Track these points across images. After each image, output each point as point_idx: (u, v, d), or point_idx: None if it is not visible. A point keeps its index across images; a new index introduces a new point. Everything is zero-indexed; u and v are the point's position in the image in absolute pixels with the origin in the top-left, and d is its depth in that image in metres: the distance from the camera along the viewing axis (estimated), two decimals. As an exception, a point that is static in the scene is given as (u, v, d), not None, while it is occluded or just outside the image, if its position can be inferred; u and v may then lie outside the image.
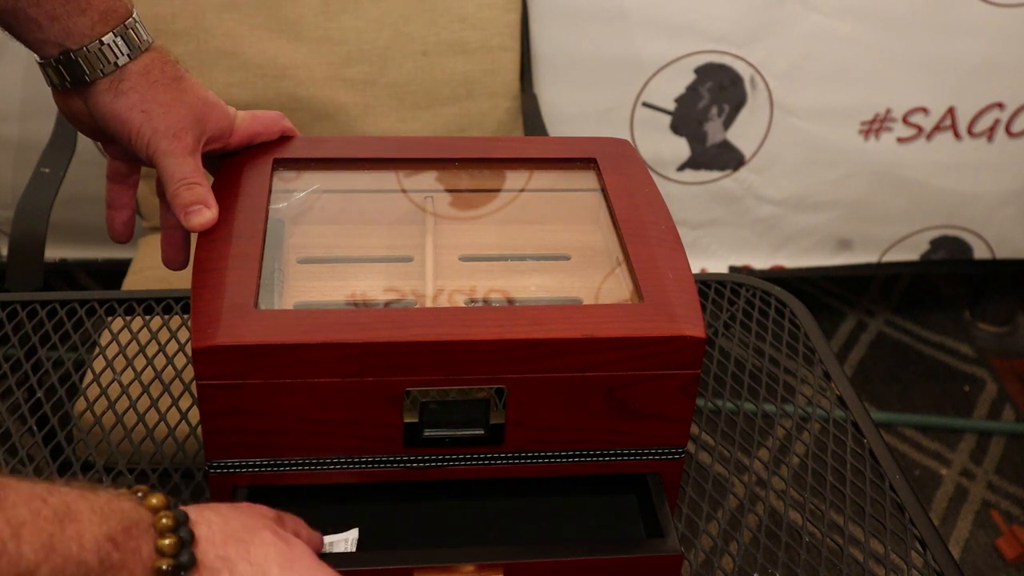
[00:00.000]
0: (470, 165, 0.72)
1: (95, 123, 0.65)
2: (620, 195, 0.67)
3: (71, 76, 0.63)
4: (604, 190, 0.68)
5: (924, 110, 1.68)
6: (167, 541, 0.45)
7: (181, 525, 0.46)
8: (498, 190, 0.73)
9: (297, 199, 0.70)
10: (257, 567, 0.48)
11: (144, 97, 0.62)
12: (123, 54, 0.62)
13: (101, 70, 0.62)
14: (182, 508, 0.48)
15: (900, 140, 1.71)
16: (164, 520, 0.46)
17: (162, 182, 0.63)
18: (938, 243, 1.85)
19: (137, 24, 0.63)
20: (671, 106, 1.65)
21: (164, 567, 0.44)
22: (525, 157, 0.72)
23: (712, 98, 1.64)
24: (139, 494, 0.47)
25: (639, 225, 0.64)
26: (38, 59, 0.64)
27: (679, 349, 0.56)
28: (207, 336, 0.53)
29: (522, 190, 0.73)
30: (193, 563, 0.46)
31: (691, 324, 0.56)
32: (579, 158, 0.72)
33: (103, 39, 0.62)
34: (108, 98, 0.62)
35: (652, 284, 0.59)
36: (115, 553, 0.43)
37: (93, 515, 0.43)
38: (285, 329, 0.54)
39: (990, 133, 1.72)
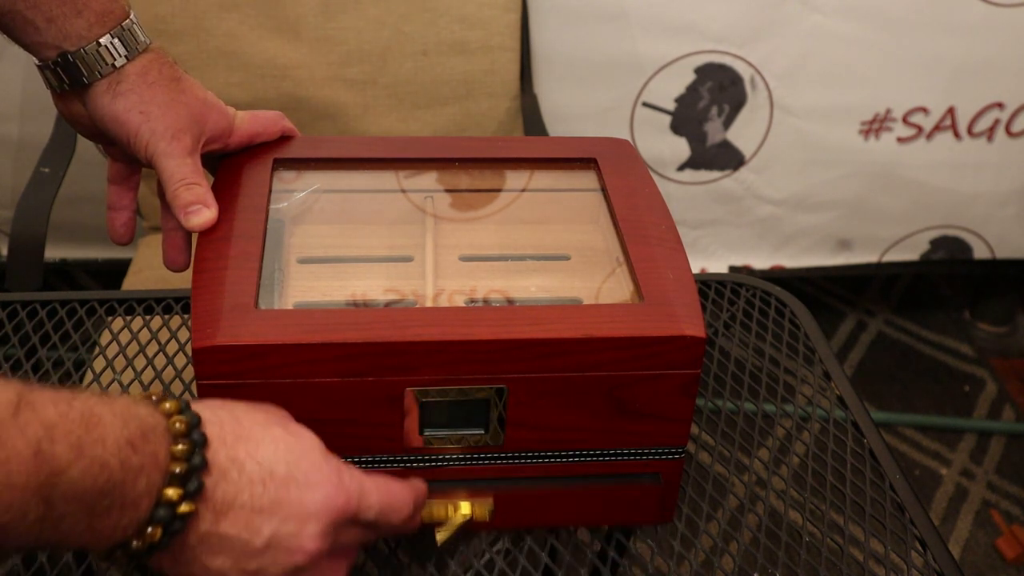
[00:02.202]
0: (470, 165, 0.72)
1: (95, 125, 0.65)
2: (620, 195, 0.67)
3: (69, 78, 0.63)
4: (604, 190, 0.68)
5: (924, 110, 1.68)
6: (180, 446, 0.45)
7: (194, 428, 0.47)
8: (498, 190, 0.73)
9: (297, 199, 0.70)
10: (264, 465, 0.48)
11: (142, 98, 0.62)
12: (121, 55, 0.62)
13: (99, 72, 0.62)
14: (194, 409, 0.48)
15: (900, 140, 1.71)
16: (178, 424, 0.46)
17: (162, 183, 0.63)
18: (938, 243, 1.85)
19: (134, 26, 0.63)
20: (671, 106, 1.65)
21: (178, 470, 0.45)
22: (525, 157, 0.72)
23: (712, 98, 1.64)
24: (153, 398, 0.47)
25: (639, 225, 0.64)
26: (36, 62, 0.64)
27: (679, 349, 0.56)
28: (207, 336, 0.53)
29: (522, 190, 0.73)
30: (204, 465, 0.46)
31: (691, 324, 0.56)
32: (579, 158, 0.72)
33: (100, 41, 0.62)
34: (106, 100, 0.62)
35: (652, 284, 0.59)
36: (134, 457, 0.44)
37: (114, 419, 0.44)
38: (285, 329, 0.54)
39: (990, 133, 1.72)
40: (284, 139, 0.70)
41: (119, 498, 0.43)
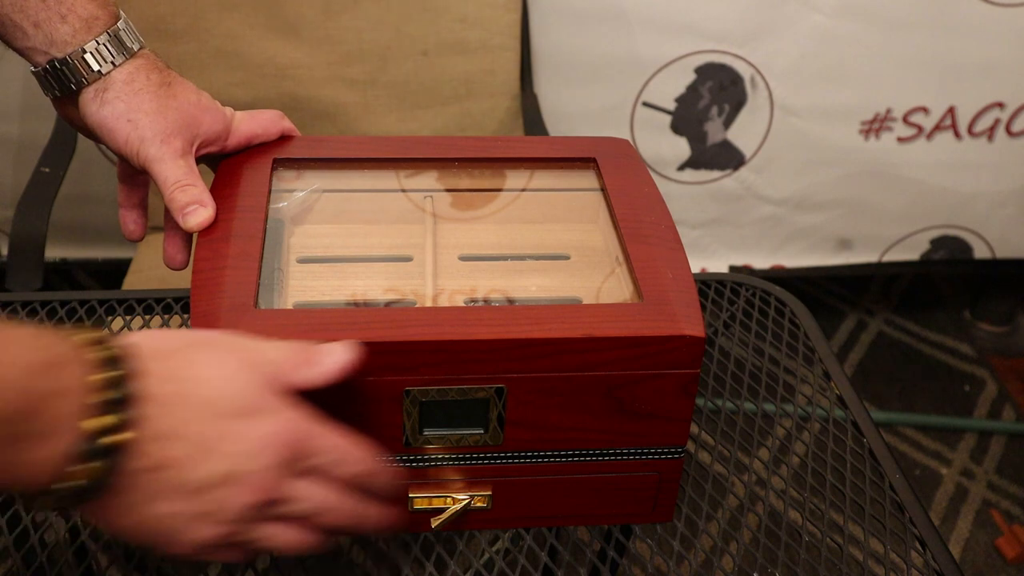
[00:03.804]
0: (470, 165, 0.72)
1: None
2: (620, 195, 0.67)
3: (58, 85, 0.63)
4: (604, 190, 0.68)
5: (924, 110, 1.68)
6: (102, 375, 0.43)
7: (119, 360, 0.44)
8: (498, 190, 0.73)
9: (297, 199, 0.70)
10: (206, 399, 0.46)
11: (129, 106, 0.62)
12: (106, 62, 0.62)
13: (84, 79, 0.62)
14: (132, 340, 0.45)
15: (900, 140, 1.71)
16: (92, 354, 0.43)
17: (158, 188, 0.63)
18: (938, 243, 1.85)
19: (121, 32, 0.63)
20: (671, 106, 1.65)
21: (102, 399, 0.42)
22: (525, 157, 0.72)
23: (712, 98, 1.64)
24: (71, 329, 0.44)
25: (639, 225, 0.64)
26: (31, 68, 0.64)
27: (679, 348, 0.56)
28: None
29: (522, 190, 0.73)
30: (133, 396, 0.43)
31: (691, 324, 0.56)
32: (579, 158, 0.72)
33: (85, 47, 0.61)
34: (94, 107, 0.62)
35: (652, 284, 0.59)
36: (44, 382, 0.41)
37: (24, 344, 0.41)
38: (284, 329, 0.54)
39: (990, 133, 1.72)
40: (284, 139, 0.70)
41: (33, 427, 0.41)
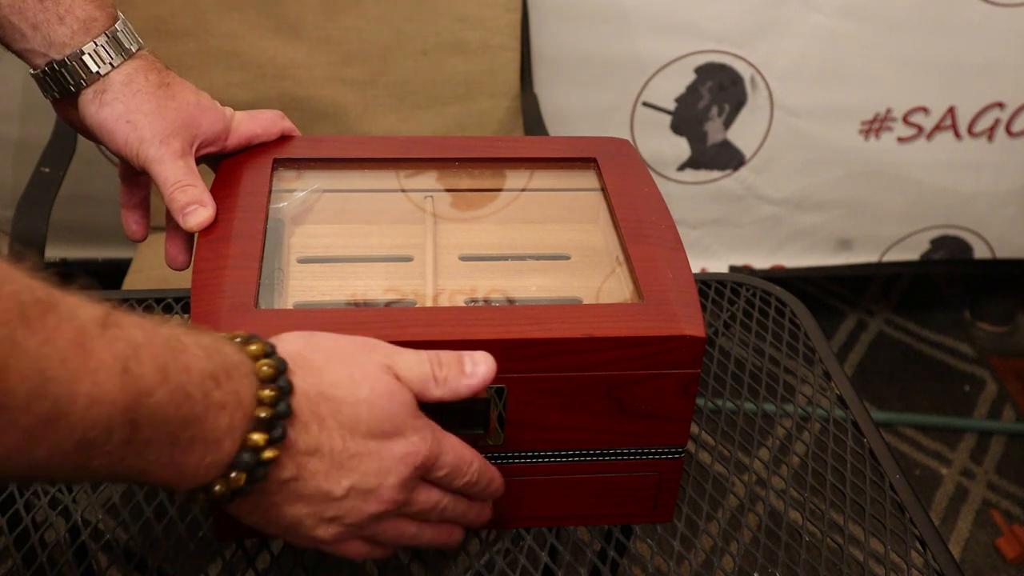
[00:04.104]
0: (470, 165, 0.72)
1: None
2: (620, 195, 0.67)
3: (57, 87, 0.63)
4: (604, 190, 0.68)
5: (924, 110, 1.68)
6: (267, 392, 0.45)
7: (280, 375, 0.46)
8: (498, 190, 0.73)
9: (297, 199, 0.70)
10: (346, 423, 0.48)
11: (128, 107, 0.62)
12: (105, 63, 0.62)
13: (82, 80, 0.62)
14: (280, 354, 0.47)
15: (900, 140, 1.71)
16: (265, 368, 0.45)
17: (158, 188, 0.63)
18: (938, 243, 1.85)
19: (119, 33, 0.63)
20: (671, 106, 1.65)
21: (263, 415, 0.44)
22: (525, 157, 0.72)
23: (712, 98, 1.64)
24: (237, 340, 0.47)
25: (639, 225, 0.64)
26: (30, 71, 0.64)
27: (679, 348, 0.56)
28: None
29: (522, 190, 0.73)
30: (289, 414, 0.46)
31: (691, 323, 0.56)
32: (579, 158, 0.72)
33: (83, 48, 0.61)
34: (93, 109, 0.62)
35: (652, 284, 0.59)
36: (216, 392, 0.43)
37: (199, 350, 0.43)
38: (284, 329, 0.54)
39: (990, 133, 1.72)
40: (284, 139, 0.70)
41: (200, 432, 0.43)
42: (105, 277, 1.90)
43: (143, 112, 0.62)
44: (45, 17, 0.61)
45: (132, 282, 1.30)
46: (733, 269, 1.83)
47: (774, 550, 0.66)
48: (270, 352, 0.47)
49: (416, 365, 0.51)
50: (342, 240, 0.69)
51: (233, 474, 0.45)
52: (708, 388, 0.80)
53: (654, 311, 0.57)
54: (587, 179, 0.71)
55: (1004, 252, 1.88)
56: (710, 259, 1.82)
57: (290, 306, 0.62)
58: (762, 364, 0.83)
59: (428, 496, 0.53)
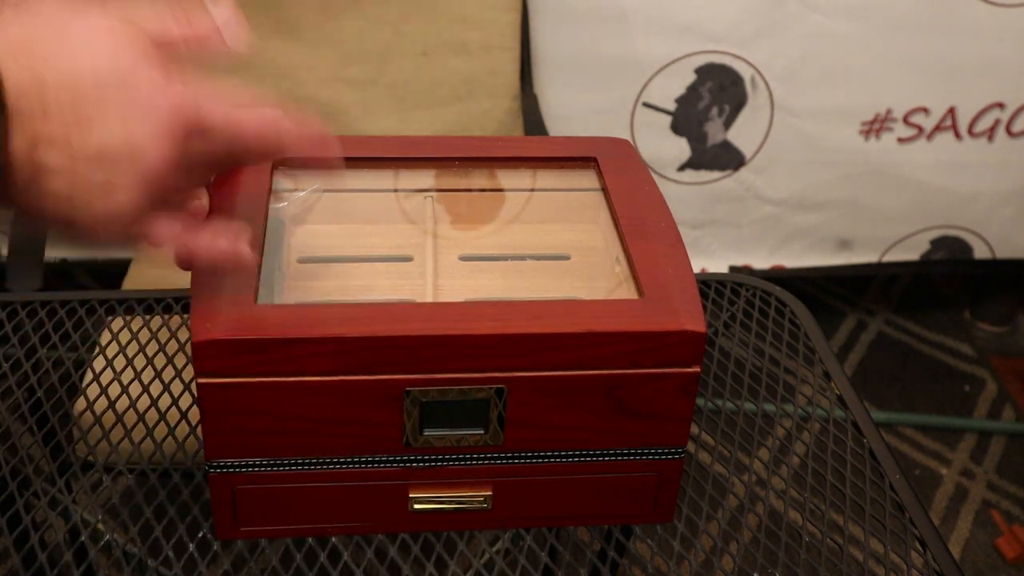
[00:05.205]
0: (470, 165, 0.72)
1: None
2: (620, 194, 0.67)
3: None
4: (604, 189, 0.68)
5: (924, 110, 1.68)
6: None
7: None
8: (498, 190, 0.73)
9: (297, 199, 0.70)
10: (69, 73, 0.43)
11: None
12: None
13: None
14: None
15: (900, 140, 1.71)
16: None
17: None
18: (938, 243, 1.85)
19: None
20: (671, 106, 1.65)
21: None
22: (525, 156, 0.72)
23: (712, 98, 1.64)
24: None
25: (639, 223, 0.64)
26: None
27: (679, 344, 0.56)
28: (206, 330, 0.53)
29: (522, 190, 0.73)
30: None
31: (692, 319, 0.56)
32: (579, 157, 0.72)
33: None
34: None
35: (652, 280, 0.59)
36: None
37: None
38: (284, 323, 0.54)
39: (990, 133, 1.72)
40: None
41: None
42: (105, 277, 1.90)
43: None
44: None
45: (132, 282, 1.30)
46: (733, 269, 1.83)
47: (774, 550, 0.66)
48: None
49: (148, 8, 0.47)
50: (342, 240, 0.69)
51: None
52: (708, 388, 0.80)
53: (654, 307, 0.57)
54: (587, 179, 0.71)
55: (1004, 252, 1.88)
56: (710, 259, 1.82)
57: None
58: (762, 364, 0.83)
59: (205, 147, 0.48)
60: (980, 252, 1.87)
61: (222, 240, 0.51)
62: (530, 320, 0.55)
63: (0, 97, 0.41)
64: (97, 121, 0.43)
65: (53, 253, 1.67)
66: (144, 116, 0.44)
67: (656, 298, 0.57)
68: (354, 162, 0.71)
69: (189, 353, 0.81)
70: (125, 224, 0.46)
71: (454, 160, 0.71)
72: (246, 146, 0.49)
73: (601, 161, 0.70)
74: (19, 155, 0.43)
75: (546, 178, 0.73)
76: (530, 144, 0.74)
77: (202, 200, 0.53)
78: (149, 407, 0.76)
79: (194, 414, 0.74)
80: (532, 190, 0.73)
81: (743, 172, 1.72)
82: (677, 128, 1.67)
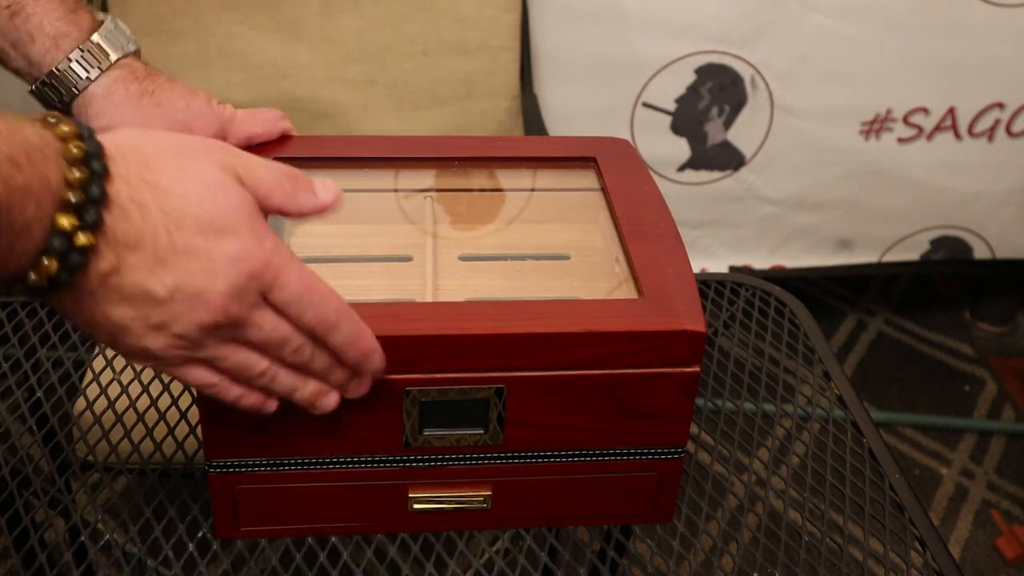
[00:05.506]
0: (470, 164, 0.72)
1: None
2: (620, 193, 0.67)
3: (45, 103, 0.62)
4: (604, 189, 0.68)
5: (924, 110, 1.68)
6: (76, 173, 0.42)
7: (92, 157, 0.43)
8: (498, 190, 0.74)
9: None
10: (171, 214, 0.44)
11: (112, 120, 0.62)
12: (81, 78, 0.61)
13: (63, 97, 0.62)
14: (99, 139, 0.44)
15: (900, 140, 1.71)
16: (74, 149, 0.42)
17: None
18: (938, 243, 1.85)
19: (94, 45, 0.62)
20: (671, 106, 1.65)
21: (72, 199, 0.42)
22: (524, 156, 0.72)
23: (712, 98, 1.64)
24: (50, 120, 0.43)
25: (639, 222, 0.64)
26: (28, 89, 0.64)
27: (679, 344, 0.56)
28: None
29: (522, 190, 0.73)
30: (103, 197, 0.43)
31: (691, 318, 0.56)
32: (579, 157, 0.72)
33: (57, 66, 0.61)
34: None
35: (652, 280, 0.59)
36: (18, 176, 0.40)
37: None
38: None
39: (990, 133, 1.72)
40: (284, 139, 0.70)
41: (7, 220, 0.40)
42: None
43: (126, 124, 0.62)
44: (18, 36, 0.61)
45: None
46: (733, 269, 1.83)
47: (774, 550, 0.66)
48: (84, 135, 0.43)
49: (263, 168, 0.48)
50: (342, 240, 0.69)
51: (45, 261, 0.42)
52: (708, 388, 0.80)
53: (654, 306, 0.57)
54: (587, 179, 0.71)
55: (1004, 252, 1.88)
56: (710, 259, 1.82)
57: None
58: (762, 364, 0.83)
59: (272, 322, 0.48)
60: (980, 252, 1.87)
61: (254, 396, 0.52)
62: (530, 320, 0.55)
63: (100, 210, 0.43)
64: (180, 266, 0.45)
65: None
66: (228, 256, 0.45)
67: (656, 297, 0.57)
68: (354, 162, 0.71)
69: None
70: (164, 350, 0.47)
71: (454, 160, 0.71)
72: (317, 317, 0.49)
73: (601, 161, 0.71)
74: (95, 273, 0.44)
75: (546, 178, 0.73)
76: (530, 144, 0.74)
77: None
78: (149, 407, 0.76)
79: (194, 414, 0.74)
80: (532, 190, 0.73)
81: (743, 172, 1.72)
82: (677, 128, 1.67)
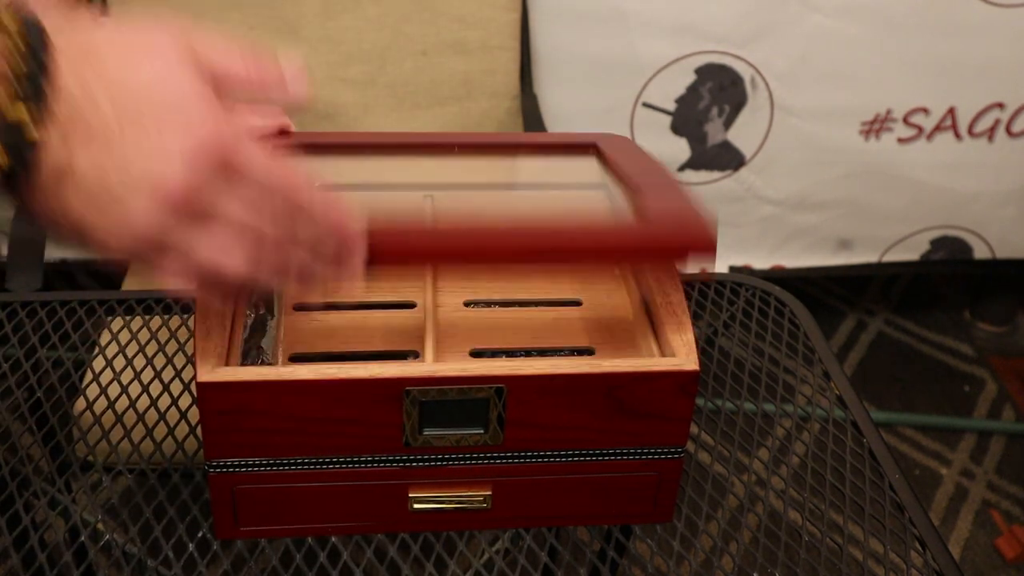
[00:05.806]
0: (470, 160, 0.72)
1: None
2: (621, 160, 0.67)
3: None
4: (605, 163, 0.68)
5: (924, 110, 1.68)
6: (23, 67, 0.40)
7: (31, 27, 0.41)
8: (500, 187, 0.73)
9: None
10: (116, 85, 0.42)
11: None
12: None
13: None
14: (43, 29, 0.42)
15: (900, 140, 1.71)
16: (20, 42, 0.41)
17: None
18: (938, 243, 1.85)
19: None
20: (671, 106, 1.65)
21: (20, 92, 0.40)
22: (524, 144, 0.72)
23: (712, 98, 1.64)
24: None
25: (645, 175, 0.63)
26: None
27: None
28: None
29: (524, 188, 0.73)
30: (44, 71, 0.41)
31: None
32: (578, 144, 0.71)
33: None
34: None
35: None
36: None
37: None
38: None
39: (990, 133, 1.72)
40: (283, 134, 0.70)
41: None
42: (105, 277, 1.90)
43: None
44: None
45: (132, 282, 1.30)
46: (733, 269, 1.83)
47: (774, 550, 0.66)
48: (29, 27, 0.42)
49: (221, 51, 0.47)
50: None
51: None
52: (708, 388, 0.80)
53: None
54: (589, 166, 0.71)
55: (1004, 252, 1.88)
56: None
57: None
58: (762, 364, 0.83)
59: (237, 206, 0.45)
60: (980, 252, 1.87)
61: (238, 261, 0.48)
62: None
63: (44, 97, 0.41)
64: (133, 133, 0.43)
65: (53, 253, 1.67)
66: (180, 137, 0.43)
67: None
68: (354, 148, 0.71)
69: (189, 353, 0.81)
70: (134, 243, 0.45)
71: (453, 146, 0.71)
72: (280, 209, 0.47)
73: (601, 145, 0.70)
74: (51, 154, 0.42)
75: (547, 171, 0.73)
76: (529, 141, 0.73)
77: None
78: (149, 407, 0.76)
79: (194, 414, 0.74)
80: (531, 188, 0.73)
81: (743, 172, 1.72)
82: (677, 128, 1.67)
